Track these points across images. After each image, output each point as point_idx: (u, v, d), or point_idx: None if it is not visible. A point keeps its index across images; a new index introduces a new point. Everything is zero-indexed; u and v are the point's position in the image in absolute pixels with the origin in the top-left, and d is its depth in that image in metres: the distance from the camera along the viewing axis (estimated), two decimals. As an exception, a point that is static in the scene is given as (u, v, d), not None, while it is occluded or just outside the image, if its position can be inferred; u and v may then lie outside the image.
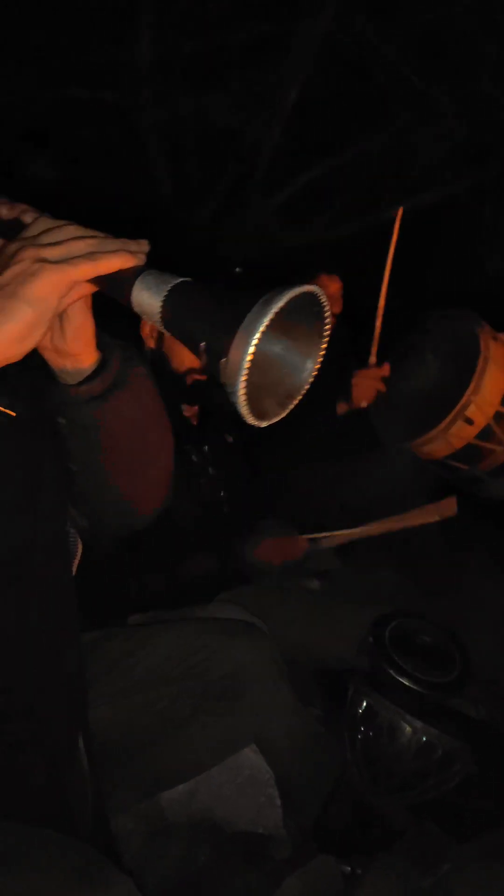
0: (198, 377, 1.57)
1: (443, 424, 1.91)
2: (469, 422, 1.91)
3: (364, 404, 2.04)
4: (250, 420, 0.59)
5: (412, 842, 1.22)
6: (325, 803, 1.33)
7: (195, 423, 1.65)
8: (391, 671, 1.40)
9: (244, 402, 0.57)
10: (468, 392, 1.87)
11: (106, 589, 1.42)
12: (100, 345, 0.77)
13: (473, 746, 1.29)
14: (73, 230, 0.66)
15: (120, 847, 1.11)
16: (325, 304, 0.60)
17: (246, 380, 0.56)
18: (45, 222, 0.67)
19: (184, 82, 4.46)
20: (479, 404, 1.89)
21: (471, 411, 1.89)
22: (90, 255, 0.63)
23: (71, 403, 0.76)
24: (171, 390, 1.58)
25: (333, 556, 2.21)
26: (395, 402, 2.14)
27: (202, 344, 0.59)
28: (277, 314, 0.55)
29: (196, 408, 1.65)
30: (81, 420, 0.77)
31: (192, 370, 1.54)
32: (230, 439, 1.70)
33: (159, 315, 0.61)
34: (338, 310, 2.54)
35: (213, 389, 1.55)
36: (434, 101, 4.10)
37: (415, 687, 1.38)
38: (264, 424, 0.60)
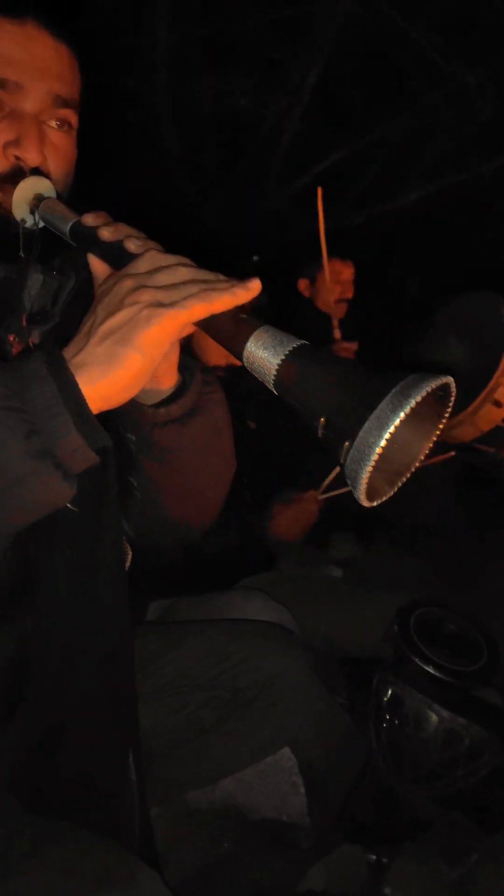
0: (220, 374, 1.56)
1: (471, 407, 1.88)
2: (497, 404, 1.87)
3: None
4: (364, 502, 0.56)
5: (440, 833, 1.20)
6: (351, 792, 1.32)
7: None
8: (416, 660, 1.38)
9: (364, 489, 0.54)
10: (497, 374, 1.83)
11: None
12: (180, 366, 0.74)
13: (502, 737, 1.26)
14: (186, 272, 0.62)
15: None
16: (454, 392, 0.57)
17: (372, 470, 0.53)
18: (156, 258, 0.64)
19: (200, 66, 4.41)
20: (509, 386, 1.85)
21: (500, 393, 1.86)
22: (204, 295, 0.60)
23: (146, 423, 0.74)
24: None
25: (355, 545, 2.19)
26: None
27: (322, 419, 0.56)
28: (413, 408, 0.52)
29: None
30: (154, 441, 0.75)
31: (219, 367, 1.54)
32: (252, 426, 1.68)
33: (274, 376, 0.59)
34: (350, 295, 2.52)
35: (239, 381, 1.53)
36: (459, 80, 4.00)
37: (441, 676, 1.36)
38: (374, 504, 0.58)
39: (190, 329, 0.63)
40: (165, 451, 0.76)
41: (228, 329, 0.62)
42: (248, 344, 0.60)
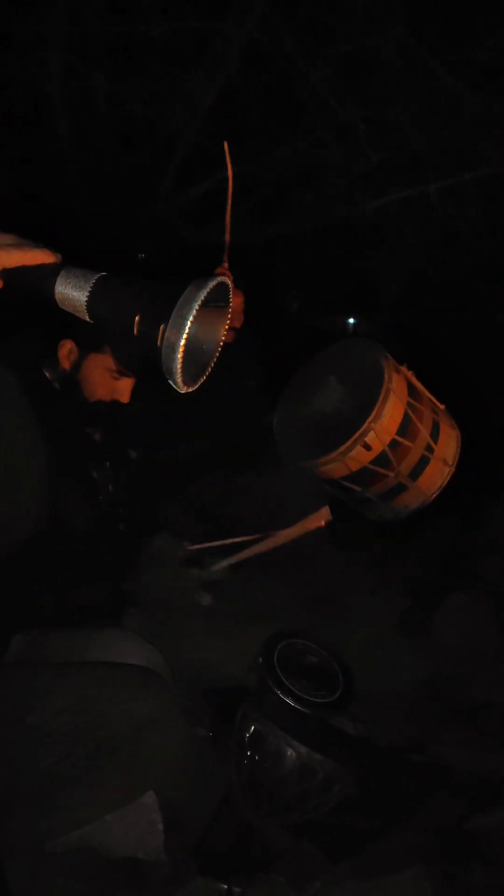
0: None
1: (343, 448, 1.97)
2: (367, 447, 1.98)
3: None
4: (179, 385, 0.67)
5: (289, 862, 1.27)
6: (208, 825, 1.35)
7: (97, 437, 1.60)
8: (277, 691, 1.44)
9: (180, 361, 0.65)
10: (369, 419, 1.93)
11: None
12: None
13: (353, 767, 1.35)
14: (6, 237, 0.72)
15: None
16: (230, 293, 0.71)
17: (186, 341, 0.64)
18: None
19: (99, 63, 4.29)
20: (378, 431, 1.96)
21: (370, 437, 1.96)
22: (17, 245, 0.70)
23: None
24: (77, 413, 1.53)
25: (226, 570, 2.23)
26: (297, 422, 2.19)
27: (136, 318, 0.66)
28: (209, 293, 0.66)
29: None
30: None
31: (101, 401, 1.52)
32: (133, 455, 1.67)
33: (85, 304, 0.69)
34: (238, 324, 2.54)
35: (118, 410, 1.52)
36: (349, 123, 4.20)
37: (299, 707, 1.43)
38: (187, 390, 0.69)
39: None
40: None
41: (34, 277, 0.71)
42: (57, 285, 0.70)
